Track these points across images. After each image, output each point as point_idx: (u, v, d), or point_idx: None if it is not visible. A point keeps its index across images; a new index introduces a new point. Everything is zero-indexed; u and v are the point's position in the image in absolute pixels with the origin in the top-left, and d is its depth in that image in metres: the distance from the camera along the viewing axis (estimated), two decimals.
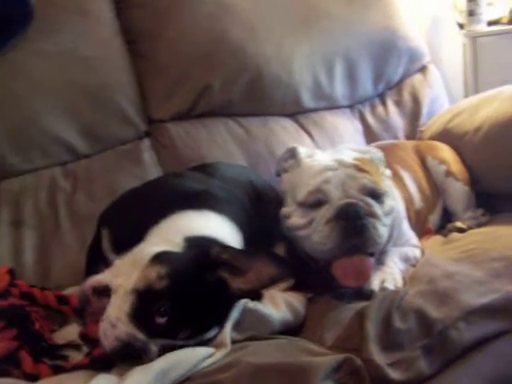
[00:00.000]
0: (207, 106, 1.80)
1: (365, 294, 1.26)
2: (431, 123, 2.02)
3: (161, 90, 1.77)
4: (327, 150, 1.48)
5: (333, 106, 2.00)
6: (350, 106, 2.05)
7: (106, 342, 1.03)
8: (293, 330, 1.21)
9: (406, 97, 2.11)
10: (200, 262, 1.09)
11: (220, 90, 1.79)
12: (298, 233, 1.32)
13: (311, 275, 1.33)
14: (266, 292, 1.21)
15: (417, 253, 1.45)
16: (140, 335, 1.02)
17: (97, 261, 1.30)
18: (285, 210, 1.37)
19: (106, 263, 1.24)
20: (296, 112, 1.93)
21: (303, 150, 1.42)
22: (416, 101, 2.11)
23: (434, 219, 1.72)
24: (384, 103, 2.09)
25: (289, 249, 1.37)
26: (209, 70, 1.78)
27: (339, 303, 1.25)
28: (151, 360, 1.01)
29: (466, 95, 2.41)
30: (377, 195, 1.31)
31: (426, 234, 1.62)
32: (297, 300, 1.24)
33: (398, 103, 2.10)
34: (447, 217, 1.76)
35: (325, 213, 1.28)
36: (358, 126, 2.03)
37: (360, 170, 1.32)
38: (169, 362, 0.99)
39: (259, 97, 1.85)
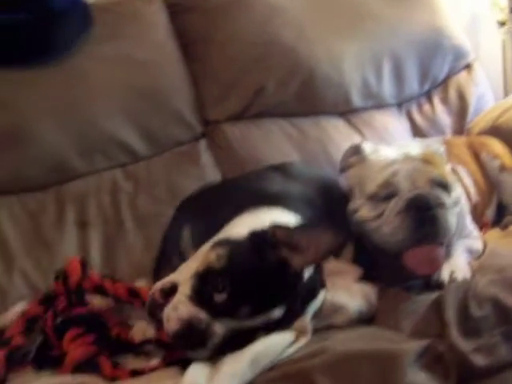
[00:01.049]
0: (261, 107, 1.83)
1: (434, 286, 1.29)
2: (479, 120, 2.04)
3: (215, 92, 1.80)
4: (390, 146, 1.50)
5: (381, 105, 2.02)
6: (398, 105, 2.07)
7: (169, 326, 1.04)
8: (366, 319, 1.23)
9: (452, 94, 2.12)
10: (257, 242, 1.10)
11: (273, 92, 1.82)
12: (368, 225, 1.34)
13: (379, 269, 1.35)
14: (342, 282, 1.23)
15: (480, 245, 1.47)
16: (202, 314, 1.03)
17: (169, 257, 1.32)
18: (353, 205, 1.39)
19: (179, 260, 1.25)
20: (346, 111, 1.95)
21: (368, 146, 1.45)
22: (462, 98, 2.12)
23: (490, 213, 1.74)
24: (430, 101, 2.10)
25: (357, 243, 1.39)
26: (262, 71, 1.81)
27: (409, 294, 1.28)
28: (215, 345, 1.02)
29: (507, 92, 2.41)
30: (444, 186, 1.34)
31: (483, 227, 1.63)
32: (370, 290, 1.26)
33: (445, 101, 2.11)
34: (501, 211, 1.77)
35: (395, 205, 1.30)
36: (406, 125, 2.05)
37: (426, 162, 1.35)
38: (259, 350, 1.01)
39: (311, 97, 1.87)
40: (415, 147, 1.42)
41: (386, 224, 1.31)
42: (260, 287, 1.05)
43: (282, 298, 1.07)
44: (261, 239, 1.10)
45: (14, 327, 1.20)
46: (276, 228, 1.11)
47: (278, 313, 1.06)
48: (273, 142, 1.80)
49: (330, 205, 1.38)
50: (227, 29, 1.82)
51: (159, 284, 1.12)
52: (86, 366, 1.11)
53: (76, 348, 1.13)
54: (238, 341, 1.03)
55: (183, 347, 1.05)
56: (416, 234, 1.28)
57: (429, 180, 1.32)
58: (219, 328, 1.02)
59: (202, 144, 1.78)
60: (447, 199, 1.32)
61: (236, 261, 1.07)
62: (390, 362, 0.97)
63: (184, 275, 1.10)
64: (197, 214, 1.34)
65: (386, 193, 1.32)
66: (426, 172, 1.33)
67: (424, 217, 1.27)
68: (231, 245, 1.10)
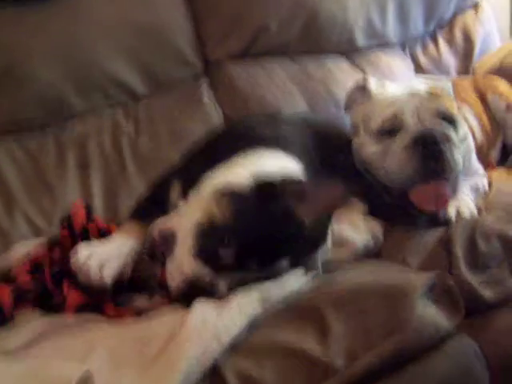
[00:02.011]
0: (264, 46, 1.79)
1: (441, 223, 1.28)
2: (485, 60, 2.00)
3: (217, 31, 1.75)
4: (396, 82, 1.47)
5: (385, 45, 1.97)
6: (402, 45, 2.02)
7: (173, 283, 1.02)
8: (372, 254, 1.23)
9: (458, 35, 2.08)
10: (263, 192, 1.06)
11: (276, 30, 1.77)
12: (373, 162, 1.33)
13: (384, 207, 1.34)
14: (348, 216, 1.23)
15: (485, 184, 1.46)
16: (207, 270, 1.00)
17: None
18: (357, 142, 1.37)
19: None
20: (350, 51, 1.91)
21: (372, 82, 1.42)
22: (468, 39, 2.07)
23: (495, 154, 1.72)
24: (435, 42, 2.06)
25: (361, 181, 1.38)
26: (264, 9, 1.76)
27: (416, 231, 1.27)
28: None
29: None
30: (451, 121, 1.31)
31: (487, 167, 1.62)
32: (376, 225, 1.26)
33: (450, 42, 2.07)
34: (506, 151, 1.75)
35: (401, 140, 1.28)
36: (410, 65, 2.01)
37: (433, 96, 1.33)
38: (268, 286, 1.00)
39: (315, 36, 1.83)
40: (421, 83, 1.39)
41: (391, 160, 1.29)
42: (265, 239, 1.02)
43: (287, 248, 1.05)
44: (266, 188, 1.07)
45: (20, 267, 1.19)
46: (286, 183, 1.08)
47: (284, 263, 1.04)
48: (276, 81, 1.76)
49: (325, 150, 1.33)
50: None
51: (157, 226, 1.11)
52: (87, 308, 1.11)
53: (76, 292, 1.12)
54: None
55: (187, 303, 1.01)
56: (422, 170, 1.25)
57: (436, 115, 1.30)
58: (224, 284, 1.00)
59: (204, 83, 1.74)
60: (454, 135, 1.29)
61: (242, 215, 1.03)
62: (399, 295, 0.96)
63: (184, 224, 1.07)
64: (187, 166, 1.31)
65: (392, 128, 1.30)
66: (433, 107, 1.30)
67: (431, 152, 1.25)
68: (235, 196, 1.06)
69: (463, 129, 1.34)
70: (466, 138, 1.35)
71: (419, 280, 1.00)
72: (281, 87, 1.75)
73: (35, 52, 1.53)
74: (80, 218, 1.27)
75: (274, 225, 1.04)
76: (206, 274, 1.00)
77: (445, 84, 1.43)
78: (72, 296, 1.11)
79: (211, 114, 1.69)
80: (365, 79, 1.43)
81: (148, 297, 1.12)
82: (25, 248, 1.27)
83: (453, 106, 1.35)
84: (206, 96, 1.72)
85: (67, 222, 1.26)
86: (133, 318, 1.07)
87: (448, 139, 1.27)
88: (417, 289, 0.97)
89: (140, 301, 1.12)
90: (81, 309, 1.11)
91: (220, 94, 1.73)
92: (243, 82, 1.74)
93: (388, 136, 1.30)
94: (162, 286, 1.10)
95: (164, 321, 0.95)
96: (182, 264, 1.02)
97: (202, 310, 0.95)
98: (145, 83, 1.66)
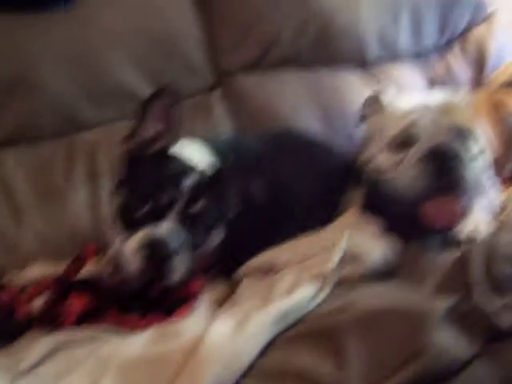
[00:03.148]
0: (277, 57, 1.77)
1: (454, 242, 1.25)
2: (499, 73, 1.97)
3: (229, 40, 1.74)
4: (412, 94, 1.45)
5: (398, 57, 1.96)
6: (415, 57, 2.00)
7: (131, 267, 1.09)
8: (386, 273, 1.20)
9: (471, 47, 2.05)
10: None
11: (289, 41, 1.76)
12: (385, 174, 1.31)
13: (394, 222, 1.32)
14: (362, 233, 1.22)
15: (501, 200, 1.43)
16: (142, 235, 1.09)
17: None
18: (368, 154, 1.35)
19: None
20: (363, 62, 1.89)
21: (387, 95, 1.40)
22: (481, 51, 2.04)
23: (510, 168, 1.69)
24: (449, 54, 2.04)
25: (371, 194, 1.36)
26: (277, 19, 1.75)
27: (430, 250, 1.24)
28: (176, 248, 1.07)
29: None
30: (467, 136, 1.29)
31: (504, 183, 1.59)
32: (390, 243, 1.23)
33: (463, 54, 2.05)
34: None
35: (413, 154, 1.26)
36: (423, 77, 1.99)
37: (449, 110, 1.31)
38: (287, 306, 0.99)
39: (327, 47, 1.82)
40: (438, 96, 1.37)
41: (404, 173, 1.27)
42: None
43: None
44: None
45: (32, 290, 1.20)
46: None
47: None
48: (288, 93, 1.75)
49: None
50: None
51: None
52: (90, 317, 1.10)
53: (79, 299, 1.12)
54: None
55: (162, 269, 1.08)
56: (434, 185, 1.24)
57: (451, 129, 1.28)
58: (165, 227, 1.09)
59: (216, 95, 1.73)
60: (469, 151, 1.28)
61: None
62: (418, 319, 0.94)
63: None
64: None
65: (405, 141, 1.28)
66: (448, 121, 1.29)
67: (443, 168, 1.23)
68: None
69: (479, 144, 1.32)
70: (481, 153, 1.32)
71: (438, 304, 0.98)
72: (293, 99, 1.74)
73: (46, 60, 1.52)
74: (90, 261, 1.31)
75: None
76: (144, 238, 1.09)
77: (463, 97, 1.40)
78: (75, 303, 1.11)
79: (223, 125, 1.68)
80: (379, 90, 1.42)
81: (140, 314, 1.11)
82: (38, 270, 1.29)
83: (470, 121, 1.33)
84: (218, 108, 1.70)
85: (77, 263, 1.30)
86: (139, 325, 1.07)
87: (462, 155, 1.25)
88: (436, 313, 0.95)
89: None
90: (81, 319, 1.10)
91: (232, 105, 1.72)
92: (255, 92, 1.73)
93: (401, 149, 1.29)
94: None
95: (180, 340, 0.93)
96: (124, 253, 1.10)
97: (219, 329, 0.94)
98: None
